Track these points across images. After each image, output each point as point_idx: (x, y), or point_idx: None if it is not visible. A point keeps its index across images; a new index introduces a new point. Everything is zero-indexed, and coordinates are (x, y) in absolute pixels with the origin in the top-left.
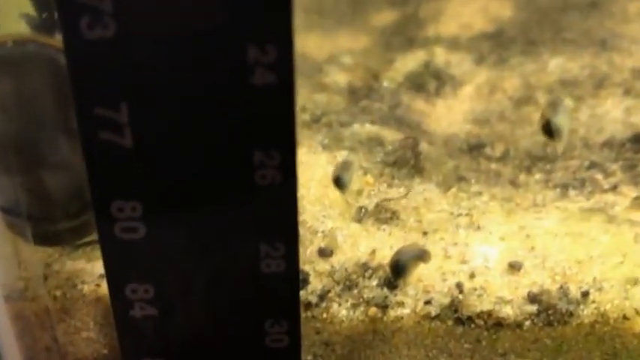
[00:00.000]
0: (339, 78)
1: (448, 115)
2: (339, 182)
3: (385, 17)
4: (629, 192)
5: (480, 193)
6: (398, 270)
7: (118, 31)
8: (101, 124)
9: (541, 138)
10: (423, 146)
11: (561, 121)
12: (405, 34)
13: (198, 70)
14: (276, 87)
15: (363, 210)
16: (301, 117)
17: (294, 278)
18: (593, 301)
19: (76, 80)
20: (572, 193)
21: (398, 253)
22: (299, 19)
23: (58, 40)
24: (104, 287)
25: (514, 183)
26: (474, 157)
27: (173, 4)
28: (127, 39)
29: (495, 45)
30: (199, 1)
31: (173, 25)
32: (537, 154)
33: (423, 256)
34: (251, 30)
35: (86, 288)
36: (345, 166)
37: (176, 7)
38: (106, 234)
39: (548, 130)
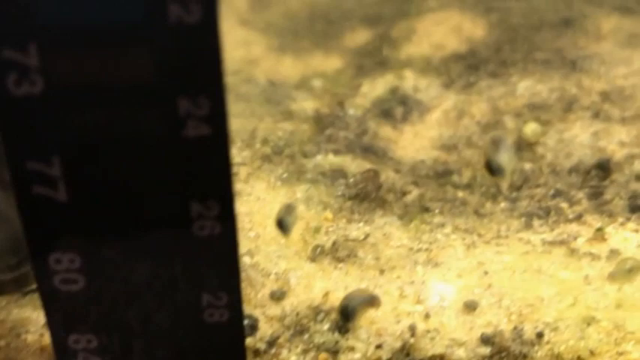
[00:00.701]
0: (306, 105)
1: (415, 142)
2: (281, 225)
3: (359, 37)
4: (593, 221)
5: (442, 225)
6: (347, 315)
7: (45, 87)
8: (34, 178)
9: (509, 181)
10: (389, 175)
11: (503, 159)
12: (377, 55)
13: (128, 124)
14: (211, 138)
15: (319, 248)
16: (262, 150)
17: (239, 327)
18: (548, 342)
19: (6, 135)
20: (536, 223)
21: (347, 298)
22: (274, 41)
23: None
24: (48, 337)
25: (479, 213)
26: (441, 184)
27: (101, 59)
28: (56, 95)
29: (466, 66)
30: (128, 55)
31: (102, 79)
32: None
33: (371, 301)
34: (182, 83)
35: (30, 338)
36: (288, 209)
37: (104, 62)
38: (45, 286)
39: (490, 168)
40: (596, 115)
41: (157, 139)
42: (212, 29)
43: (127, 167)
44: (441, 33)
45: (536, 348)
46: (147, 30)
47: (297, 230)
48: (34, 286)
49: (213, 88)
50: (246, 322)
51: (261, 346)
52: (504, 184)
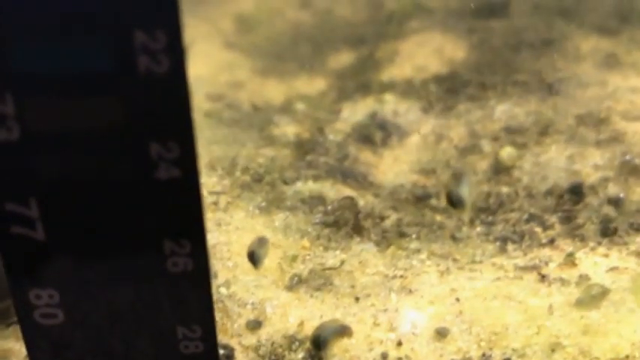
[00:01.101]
0: (289, 130)
1: (394, 166)
2: (252, 258)
3: (343, 59)
4: (565, 246)
5: (418, 251)
6: (319, 345)
7: (22, 133)
8: (12, 218)
9: (485, 188)
10: (368, 200)
11: (463, 192)
12: (360, 77)
13: (103, 167)
14: (181, 180)
15: (296, 277)
16: (243, 178)
17: (214, 358)
18: None
19: None
20: (510, 247)
21: (319, 328)
22: (259, 64)
23: None
24: None
25: (455, 237)
26: (419, 208)
27: (74, 107)
28: (32, 140)
29: (446, 90)
30: (101, 103)
31: (75, 125)
32: (481, 205)
33: (343, 331)
34: (153, 129)
35: None
36: (261, 242)
37: (77, 109)
38: (26, 320)
39: (451, 200)
40: (572, 139)
41: (130, 181)
42: (180, 78)
43: (101, 208)
44: (423, 55)
45: None
46: (118, 80)
47: (273, 260)
48: (14, 318)
49: (183, 133)
50: (222, 352)
51: None
52: (465, 217)
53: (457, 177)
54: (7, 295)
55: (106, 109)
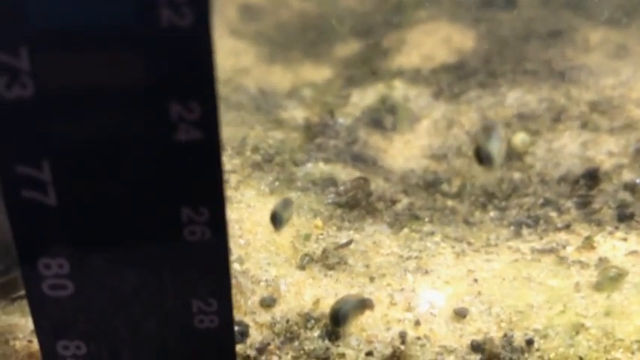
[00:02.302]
0: (297, 114)
1: (405, 151)
2: (274, 219)
3: (350, 48)
4: (582, 230)
5: (432, 233)
6: (337, 320)
7: (36, 90)
8: (23, 182)
9: (497, 173)
10: (379, 183)
11: (492, 148)
12: (368, 66)
13: (120, 128)
14: (202, 143)
15: (309, 256)
16: (253, 158)
17: (229, 334)
18: (538, 349)
19: None
20: (525, 231)
21: (338, 302)
22: (265, 51)
23: None
24: (37, 343)
25: (468, 221)
26: (431, 193)
27: (92, 62)
28: (47, 98)
29: (455, 77)
30: (119, 59)
31: (93, 83)
32: (493, 191)
33: (364, 305)
34: (173, 87)
35: (18, 344)
36: (285, 204)
37: (95, 66)
38: (34, 291)
39: (479, 156)
40: (585, 126)
41: (148, 143)
42: (204, 33)
43: (117, 172)
44: (430, 44)
45: (526, 355)
46: (138, 33)
47: (287, 237)
48: (21, 292)
49: (205, 92)
50: (236, 328)
51: (251, 352)
52: (492, 174)
53: (487, 131)
54: (12, 266)
55: (125, 65)
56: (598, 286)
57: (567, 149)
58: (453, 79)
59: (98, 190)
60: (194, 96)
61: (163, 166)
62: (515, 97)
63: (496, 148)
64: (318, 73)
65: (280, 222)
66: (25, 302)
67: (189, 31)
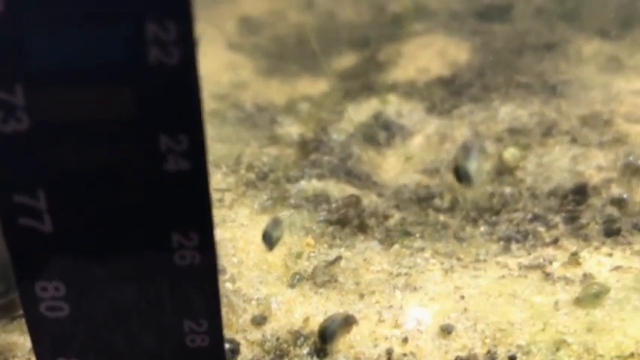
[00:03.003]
0: (292, 129)
1: (398, 166)
2: (265, 239)
3: (346, 61)
4: (569, 245)
5: (422, 249)
6: (325, 337)
7: (31, 124)
8: (20, 210)
9: (488, 188)
10: (372, 199)
11: (471, 166)
12: (363, 79)
13: (111, 158)
14: (190, 172)
15: (300, 274)
16: (247, 176)
17: (220, 352)
18: None
19: None
20: (514, 246)
21: (326, 320)
22: (262, 65)
23: None
24: None
25: (459, 237)
26: (423, 208)
27: (84, 98)
28: (41, 131)
29: (449, 91)
30: (111, 95)
31: (85, 117)
32: (484, 205)
33: (348, 320)
34: (162, 120)
35: None
36: (275, 223)
37: (88, 101)
38: (31, 313)
39: (458, 174)
40: (575, 140)
41: (139, 173)
42: (191, 70)
43: (110, 200)
44: (426, 57)
45: None
46: (128, 71)
47: (279, 255)
48: (20, 312)
49: (192, 125)
50: (227, 346)
51: None
52: (470, 192)
53: (466, 150)
54: (11, 288)
55: (116, 100)
56: (580, 303)
57: (557, 164)
58: (447, 93)
59: (92, 217)
60: (182, 129)
61: (154, 194)
62: (507, 112)
63: (474, 166)
64: (315, 86)
65: (271, 241)
66: (24, 321)
67: (177, 68)
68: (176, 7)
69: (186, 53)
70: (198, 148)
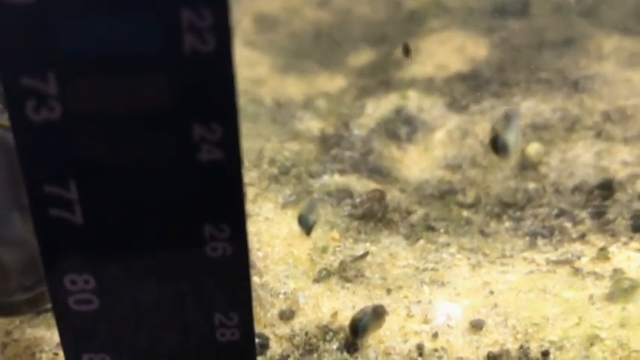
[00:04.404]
0: (312, 125)
1: (419, 161)
2: (301, 222)
3: (363, 57)
4: (597, 241)
5: (447, 245)
6: (357, 331)
7: (63, 113)
8: (51, 201)
9: (511, 184)
10: (394, 195)
11: (510, 137)
12: (381, 76)
13: (144, 148)
14: (223, 162)
15: (327, 268)
16: (270, 171)
17: (250, 346)
18: None
19: (24, 160)
20: (540, 242)
21: (358, 312)
22: (280, 61)
23: (6, 119)
24: (62, 356)
25: (483, 232)
26: (446, 203)
27: (117, 87)
28: (73, 121)
29: (469, 86)
30: (144, 83)
31: (118, 106)
32: (508, 201)
33: (377, 310)
34: (196, 109)
35: (44, 357)
36: (311, 205)
37: (121, 90)
38: (60, 306)
39: (495, 145)
40: (599, 135)
41: (171, 163)
42: (226, 58)
43: (142, 191)
44: (444, 53)
45: None
46: (162, 59)
47: (304, 250)
48: (47, 306)
49: (226, 114)
50: (256, 340)
51: None
52: (506, 164)
53: (507, 119)
54: (38, 282)
55: (150, 89)
56: (612, 298)
57: (581, 159)
58: (467, 88)
59: (123, 208)
60: (216, 118)
61: (186, 185)
62: (529, 107)
63: (512, 138)
64: (333, 83)
65: (307, 225)
66: (50, 315)
67: (212, 56)
68: None
69: (221, 41)
70: (232, 138)
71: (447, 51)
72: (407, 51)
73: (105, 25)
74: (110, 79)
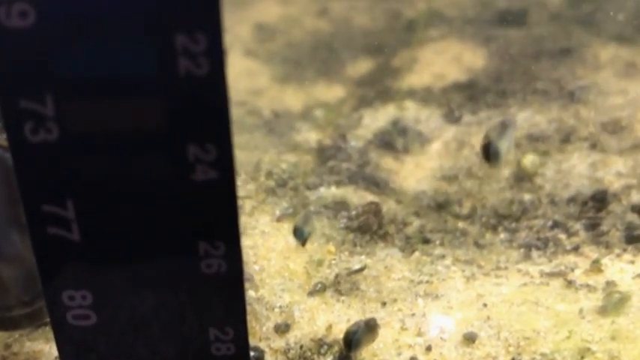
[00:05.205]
0: (309, 136)
1: (416, 172)
2: (297, 234)
3: (361, 67)
4: (590, 253)
5: (443, 256)
6: (351, 344)
7: (61, 134)
8: (49, 220)
9: (508, 195)
10: (390, 206)
11: (503, 145)
12: (379, 85)
13: (140, 168)
14: (218, 182)
15: (322, 282)
16: (267, 183)
17: None
18: None
19: (22, 180)
20: (535, 254)
21: (352, 325)
22: (278, 71)
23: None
24: None
25: (478, 244)
26: (441, 215)
27: (114, 109)
28: (70, 142)
29: (466, 97)
30: (140, 105)
31: (114, 127)
32: (504, 212)
33: (369, 324)
34: (191, 130)
35: None
36: (306, 217)
37: (117, 111)
38: (58, 321)
39: (487, 152)
40: (594, 146)
41: (167, 182)
42: (219, 81)
43: (138, 209)
44: (441, 63)
45: None
46: (158, 82)
47: (300, 263)
48: (45, 320)
49: (220, 135)
50: (252, 354)
51: None
52: (496, 172)
53: (503, 127)
54: (37, 297)
55: (146, 110)
56: (603, 311)
57: (576, 170)
58: (464, 98)
59: (119, 226)
60: (210, 139)
61: (181, 204)
62: (525, 118)
63: (505, 146)
64: (331, 93)
65: (303, 236)
66: (48, 329)
67: (206, 79)
68: (206, 18)
69: (215, 64)
70: (226, 158)
71: (444, 61)
72: (487, 154)
73: (101, 50)
74: (107, 102)
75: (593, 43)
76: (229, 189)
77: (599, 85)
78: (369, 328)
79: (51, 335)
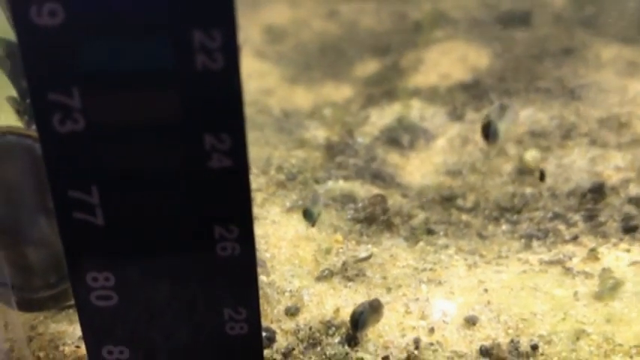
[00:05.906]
0: (318, 133)
1: (421, 168)
2: (306, 215)
3: (369, 67)
4: (588, 242)
5: (446, 246)
6: (357, 323)
7: (87, 125)
8: (74, 205)
9: (510, 188)
10: (396, 199)
11: (502, 125)
12: (386, 85)
13: (160, 157)
14: (232, 169)
15: (330, 268)
16: (277, 177)
17: (258, 339)
18: (542, 354)
19: (50, 168)
20: (535, 244)
21: (358, 307)
22: (288, 72)
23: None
24: (83, 349)
25: (481, 235)
26: (446, 208)
27: (136, 101)
28: (96, 132)
29: (470, 95)
30: (160, 98)
31: (136, 118)
32: (506, 205)
33: (374, 304)
34: (207, 121)
35: (67, 349)
36: (314, 199)
37: (139, 104)
38: (82, 302)
39: (486, 131)
40: (594, 142)
41: (185, 170)
42: (234, 75)
43: (158, 195)
44: (447, 63)
45: (531, 359)
46: (176, 76)
47: (309, 251)
48: (69, 302)
49: (235, 125)
50: (264, 334)
51: (278, 357)
52: (492, 152)
53: (502, 109)
54: (62, 280)
55: (165, 103)
56: (598, 296)
57: (576, 165)
58: (468, 97)
59: (141, 211)
60: (225, 129)
61: (199, 190)
62: (528, 115)
63: (504, 127)
64: (339, 92)
65: (312, 217)
66: (72, 311)
67: (221, 73)
68: (221, 16)
69: (230, 59)
70: (240, 147)
71: (449, 61)
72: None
73: (124, 46)
74: (129, 94)
75: (595, 44)
76: (243, 176)
77: (599, 84)
78: (374, 308)
79: (74, 317)
